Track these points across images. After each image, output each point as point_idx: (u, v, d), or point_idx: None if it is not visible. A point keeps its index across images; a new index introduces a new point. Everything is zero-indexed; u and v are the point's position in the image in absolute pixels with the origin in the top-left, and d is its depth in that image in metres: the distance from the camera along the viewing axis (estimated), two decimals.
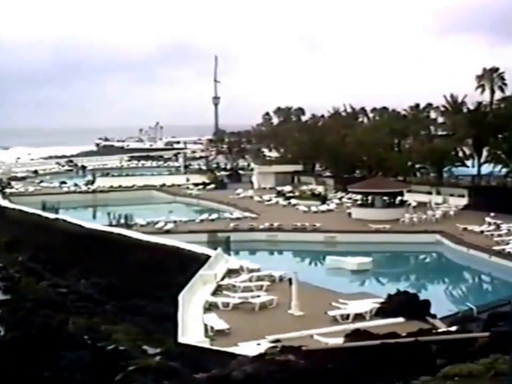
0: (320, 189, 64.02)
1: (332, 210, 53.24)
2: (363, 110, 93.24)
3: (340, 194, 61.77)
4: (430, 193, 55.76)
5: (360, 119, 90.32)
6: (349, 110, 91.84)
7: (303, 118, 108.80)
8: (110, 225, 43.74)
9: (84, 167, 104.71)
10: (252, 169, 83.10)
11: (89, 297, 26.91)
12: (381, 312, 22.56)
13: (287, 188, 66.32)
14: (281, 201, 59.04)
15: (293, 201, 58.21)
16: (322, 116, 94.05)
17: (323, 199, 58.09)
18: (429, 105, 79.98)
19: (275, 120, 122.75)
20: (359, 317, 22.14)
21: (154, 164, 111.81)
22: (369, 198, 50.27)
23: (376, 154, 62.54)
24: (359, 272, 34.52)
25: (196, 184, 73.62)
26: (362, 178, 59.09)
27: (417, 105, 79.22)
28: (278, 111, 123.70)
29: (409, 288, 27.64)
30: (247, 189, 69.60)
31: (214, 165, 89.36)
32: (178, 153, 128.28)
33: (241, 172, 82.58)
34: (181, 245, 32.28)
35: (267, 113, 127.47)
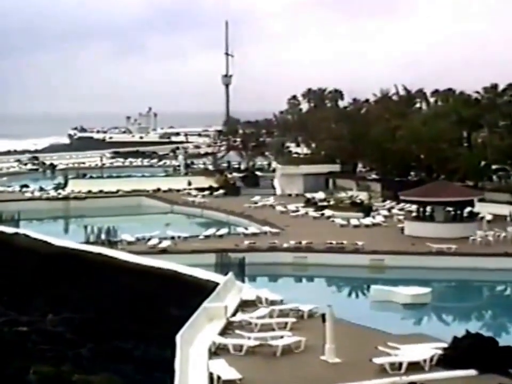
0: (363, 196, 63.82)
1: (378, 225, 53.09)
2: (421, 92, 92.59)
3: (389, 203, 61.60)
4: (511, 203, 55.30)
5: (417, 105, 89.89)
6: (402, 92, 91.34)
7: (341, 104, 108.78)
8: (87, 242, 43.90)
9: (52, 166, 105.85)
10: (273, 170, 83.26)
11: (59, 337, 26.92)
12: (445, 361, 22.22)
13: (320, 195, 66.25)
14: (312, 212, 58.99)
15: (327, 212, 58.17)
16: (367, 101, 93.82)
17: (367, 209, 57.95)
18: (511, 86, 78.67)
19: (304, 106, 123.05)
20: (414, 366, 21.85)
21: (145, 162, 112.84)
22: (428, 208, 49.90)
23: (437, 151, 62.17)
24: (415, 306, 34.27)
25: (200, 189, 74.00)
26: (419, 182, 58.76)
27: (495, 86, 77.71)
28: (309, 94, 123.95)
29: (483, 330, 27.39)
30: (267, 195, 69.75)
31: (224, 164, 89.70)
32: (178, 148, 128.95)
33: (259, 173, 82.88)
34: (180, 269, 32.23)
35: (294, 97, 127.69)
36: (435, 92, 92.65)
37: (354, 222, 53.10)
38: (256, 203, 65.11)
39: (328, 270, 42.84)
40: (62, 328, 28.98)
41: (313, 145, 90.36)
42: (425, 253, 42.59)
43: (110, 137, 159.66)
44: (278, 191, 73.64)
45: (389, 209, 59.17)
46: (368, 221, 53.86)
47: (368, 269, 42.44)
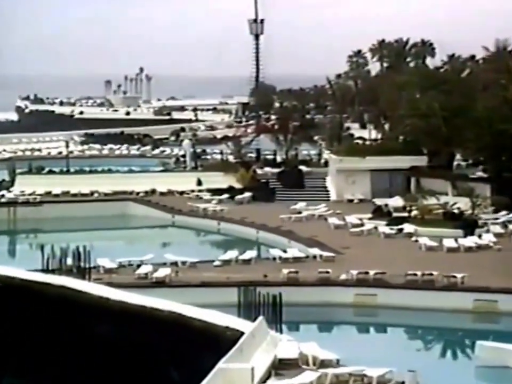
0: (463, 203, 63.34)
1: (487, 248, 52.77)
2: None
3: (504, 215, 61.24)
4: None
5: None
6: None
7: (432, 63, 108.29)
8: (45, 270, 44.03)
9: None
10: (325, 164, 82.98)
11: None
12: None
13: (396, 201, 65.95)
14: (384, 227, 58.91)
15: (408, 227, 58.02)
16: (472, 58, 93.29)
17: (469, 224, 57.67)
18: None
19: (374, 67, 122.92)
20: None
21: (134, 150, 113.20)
22: None
23: None
24: None
25: (216, 192, 74.16)
26: None
27: None
28: (381, 48, 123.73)
29: None
30: (316, 201, 69.78)
31: (252, 154, 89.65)
32: (182, 129, 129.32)
33: (304, 168, 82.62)
34: (186, 311, 32.14)
35: (358, 53, 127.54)
36: None
37: (449, 243, 52.69)
38: (299, 213, 65.10)
39: (409, 315, 42.67)
40: None
41: (386, 126, 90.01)
42: None
43: (81, 112, 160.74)
44: (333, 195, 73.47)
45: (505, 224, 58.82)
46: (471, 241, 53.46)
47: (472, 314, 42.22)
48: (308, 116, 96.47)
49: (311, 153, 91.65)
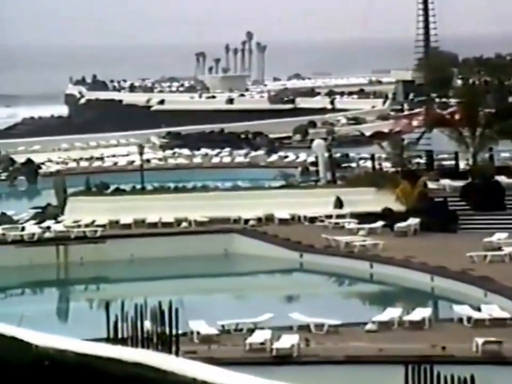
0: None
1: None
2: None
3: None
4: None
5: None
6: None
7: None
8: (113, 339, 43.69)
9: (32, 168, 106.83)
10: None
11: None
12: None
13: None
14: None
15: None
16: None
17: None
18: None
19: None
20: None
21: (241, 156, 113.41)
22: None
23: None
24: None
25: (366, 217, 74.12)
26: None
27: None
28: None
29: None
30: None
31: (421, 160, 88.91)
32: (313, 124, 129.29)
33: (503, 179, 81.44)
34: None
35: None
36: None
37: None
38: (499, 248, 64.72)
39: None
40: None
41: None
42: None
43: (161, 101, 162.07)
44: None
45: None
46: None
47: None
48: (509, 99, 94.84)
49: None
